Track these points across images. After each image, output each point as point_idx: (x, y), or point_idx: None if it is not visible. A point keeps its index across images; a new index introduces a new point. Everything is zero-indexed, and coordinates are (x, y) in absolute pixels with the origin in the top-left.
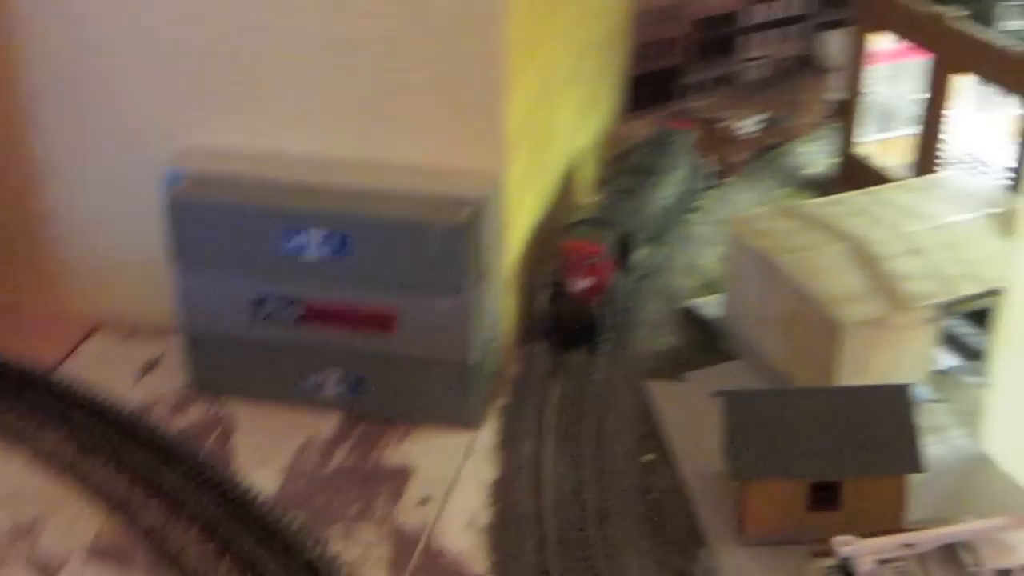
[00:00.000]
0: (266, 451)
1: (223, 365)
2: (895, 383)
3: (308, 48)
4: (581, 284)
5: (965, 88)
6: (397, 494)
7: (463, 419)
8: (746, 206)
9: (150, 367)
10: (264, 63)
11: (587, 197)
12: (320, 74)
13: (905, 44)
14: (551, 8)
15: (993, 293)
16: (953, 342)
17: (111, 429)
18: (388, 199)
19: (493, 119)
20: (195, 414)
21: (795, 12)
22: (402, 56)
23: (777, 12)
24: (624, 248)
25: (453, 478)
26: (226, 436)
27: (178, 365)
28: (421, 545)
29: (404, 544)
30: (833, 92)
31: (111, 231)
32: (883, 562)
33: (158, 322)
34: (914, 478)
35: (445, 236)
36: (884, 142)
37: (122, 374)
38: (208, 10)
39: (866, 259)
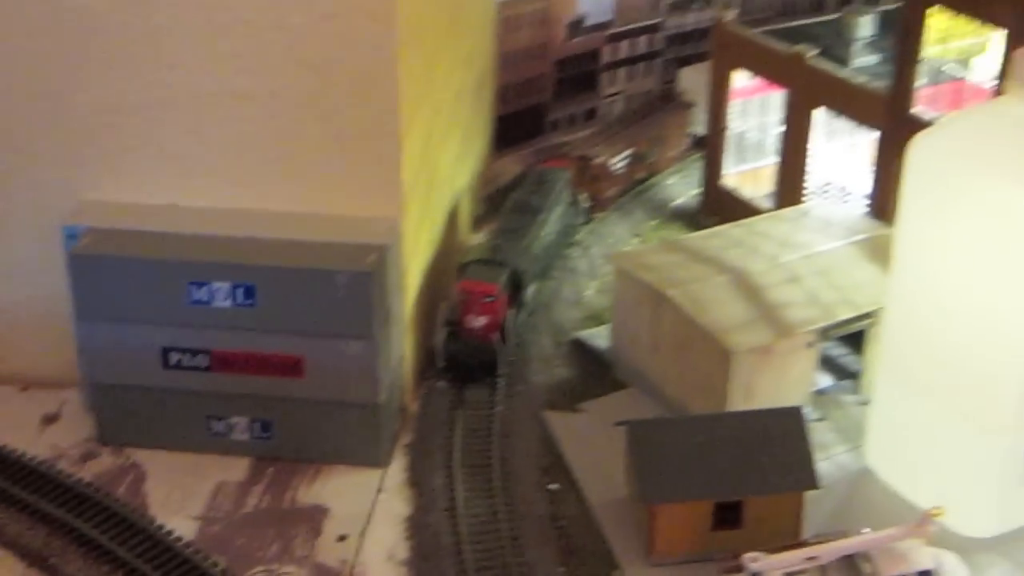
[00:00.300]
0: (179, 498)
1: (129, 415)
2: (788, 406)
3: (206, 103)
4: (478, 322)
5: (822, 121)
6: (315, 532)
7: (372, 458)
8: (620, 240)
9: (51, 420)
10: (163, 118)
11: (468, 236)
12: (220, 129)
13: (761, 80)
14: (434, 58)
15: (867, 316)
16: (830, 364)
17: (20, 482)
18: (292, 248)
19: (390, 169)
20: (103, 464)
21: (655, 48)
22: (300, 111)
23: (639, 48)
24: (515, 285)
25: (368, 514)
26: (137, 484)
27: (80, 417)
28: None
29: None
30: (696, 126)
31: (6, 286)
32: (789, 575)
33: (55, 375)
34: (809, 494)
35: (352, 282)
36: (747, 173)
37: (22, 428)
38: (103, 67)
39: (748, 289)
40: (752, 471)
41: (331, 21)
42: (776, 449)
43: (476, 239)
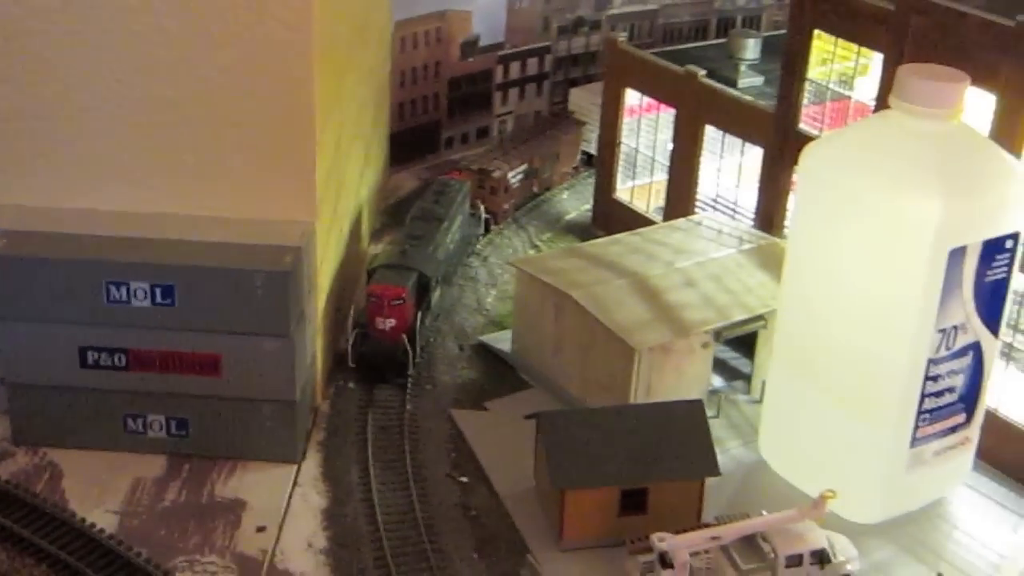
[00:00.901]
0: (98, 493)
1: (47, 415)
2: (689, 399)
3: (125, 109)
4: (387, 324)
5: (710, 138)
6: (234, 525)
7: (288, 453)
8: (517, 250)
9: None
10: (82, 124)
11: (369, 246)
12: (138, 134)
13: (652, 99)
14: (343, 71)
15: (758, 318)
16: (723, 367)
17: None
18: (211, 249)
19: (305, 173)
20: (21, 462)
21: (546, 69)
22: (219, 117)
23: (530, 69)
24: (422, 290)
25: (285, 507)
26: (56, 481)
27: None
28: (265, 568)
29: (248, 568)
30: (588, 144)
31: None
32: (694, 554)
33: None
34: (708, 483)
35: (269, 281)
36: (638, 188)
37: None
38: (19, 73)
39: (647, 292)
40: (656, 459)
41: (249, 30)
42: (678, 439)
43: (376, 249)
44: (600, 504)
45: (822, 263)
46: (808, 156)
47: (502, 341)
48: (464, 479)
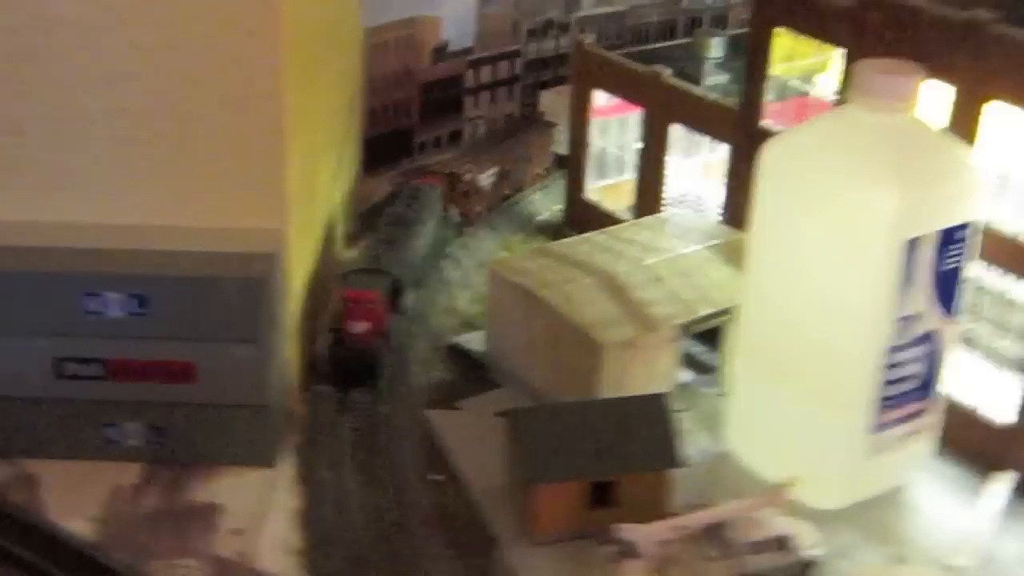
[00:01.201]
0: (74, 502)
1: (21, 427)
2: (652, 393)
3: (95, 121)
4: (361, 327)
5: (678, 137)
6: (211, 528)
7: (263, 458)
8: (489, 253)
9: None
10: (52, 137)
11: (343, 251)
12: (109, 146)
13: (620, 99)
14: (312, 76)
15: (724, 312)
16: (691, 361)
17: None
18: (183, 258)
19: (275, 181)
20: None
21: (516, 73)
22: (188, 127)
23: (501, 73)
24: (395, 293)
25: (262, 510)
26: (32, 491)
27: None
28: (242, 570)
29: (226, 570)
30: (558, 145)
31: None
32: (659, 544)
33: None
34: (675, 473)
35: (241, 288)
36: (608, 188)
37: None
38: None
39: (615, 289)
40: (623, 452)
41: (216, 39)
42: (643, 432)
43: (351, 254)
44: (569, 498)
45: (781, 256)
46: (767, 152)
47: (475, 342)
48: (439, 478)
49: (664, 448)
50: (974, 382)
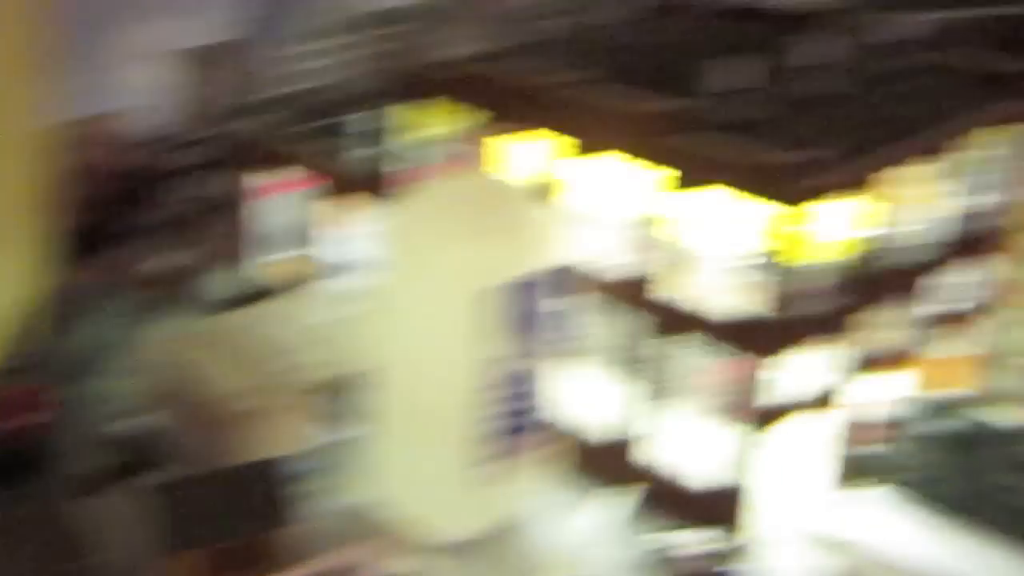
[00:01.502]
0: None
1: None
2: (264, 458)
3: None
4: (19, 423)
5: (333, 211)
6: None
7: None
8: (164, 334)
9: None
10: None
11: (11, 347)
12: None
13: (279, 178)
14: None
15: (361, 375)
16: (330, 418)
17: None
18: None
19: None
20: None
21: (210, 155)
22: None
23: (193, 157)
24: (60, 388)
25: None
26: None
27: None
28: None
29: None
30: (229, 227)
31: None
32: None
33: None
34: (312, 529)
35: None
36: (273, 263)
37: None
38: None
39: (256, 361)
40: (234, 518)
41: None
42: (256, 497)
43: (23, 347)
44: (201, 565)
45: (401, 313)
46: (385, 221)
47: (135, 426)
48: (82, 562)
49: (272, 510)
50: (581, 408)
